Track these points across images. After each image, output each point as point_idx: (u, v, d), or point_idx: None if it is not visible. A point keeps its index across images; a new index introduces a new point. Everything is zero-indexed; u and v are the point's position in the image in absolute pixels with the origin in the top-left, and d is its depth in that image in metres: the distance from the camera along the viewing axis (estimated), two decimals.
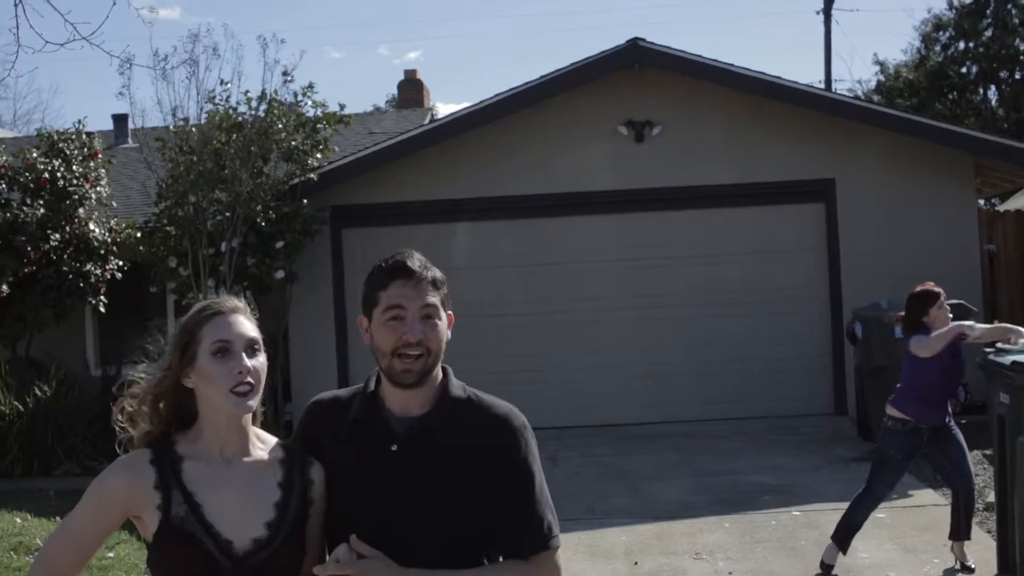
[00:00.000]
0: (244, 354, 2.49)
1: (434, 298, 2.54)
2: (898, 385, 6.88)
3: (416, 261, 2.56)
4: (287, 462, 2.57)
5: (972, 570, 6.77)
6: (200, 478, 2.47)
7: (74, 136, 12.69)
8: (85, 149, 12.63)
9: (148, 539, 2.47)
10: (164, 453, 2.50)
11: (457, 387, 2.63)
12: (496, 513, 2.54)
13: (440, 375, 2.62)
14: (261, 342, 2.57)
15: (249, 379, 2.48)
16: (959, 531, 6.84)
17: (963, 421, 10.81)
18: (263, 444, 2.59)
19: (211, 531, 2.41)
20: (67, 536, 2.51)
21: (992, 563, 6.51)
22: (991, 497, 7.48)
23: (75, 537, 2.50)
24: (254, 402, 2.51)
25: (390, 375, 2.54)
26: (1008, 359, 5.93)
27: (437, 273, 2.59)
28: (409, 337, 2.49)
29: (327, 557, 2.48)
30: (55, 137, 12.61)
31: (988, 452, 9.42)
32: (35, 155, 12.27)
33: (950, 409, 6.87)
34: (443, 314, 2.57)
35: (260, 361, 2.53)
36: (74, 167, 12.32)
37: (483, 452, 2.54)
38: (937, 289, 6.88)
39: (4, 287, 11.47)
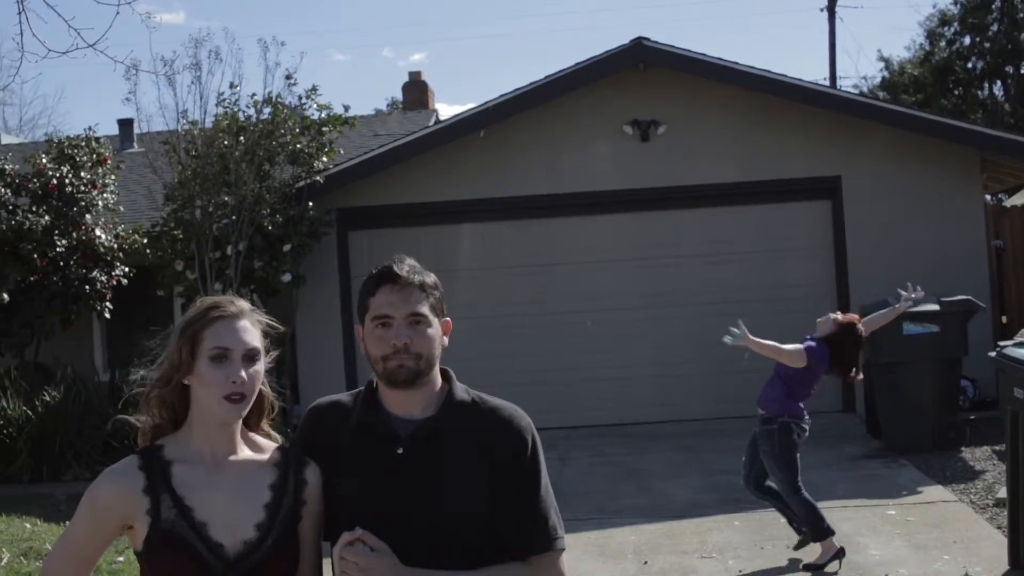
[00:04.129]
0: (242, 362, 2.48)
1: (422, 305, 2.54)
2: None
3: (405, 267, 2.56)
4: (282, 464, 2.55)
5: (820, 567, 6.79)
6: (189, 481, 2.46)
7: (84, 143, 12.71)
8: (95, 156, 12.64)
9: (138, 548, 2.45)
10: (153, 458, 2.50)
11: (461, 390, 2.63)
12: (501, 514, 2.53)
13: (441, 379, 2.63)
14: (262, 350, 2.55)
15: (242, 389, 2.47)
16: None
17: (972, 417, 10.86)
18: (257, 447, 2.58)
19: (201, 534, 2.40)
20: (67, 549, 2.52)
21: (1003, 559, 6.49)
22: (1002, 493, 7.46)
23: (75, 550, 2.51)
24: (244, 409, 2.50)
25: (385, 377, 2.55)
26: (1023, 353, 5.90)
27: (428, 278, 2.58)
28: (396, 342, 2.50)
29: (323, 560, 2.47)
30: (65, 143, 12.63)
31: (999, 448, 9.38)
32: (44, 160, 12.28)
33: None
34: (433, 320, 2.56)
35: (256, 370, 2.52)
36: (82, 174, 12.33)
37: (489, 453, 2.54)
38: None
39: (4, 295, 11.45)
